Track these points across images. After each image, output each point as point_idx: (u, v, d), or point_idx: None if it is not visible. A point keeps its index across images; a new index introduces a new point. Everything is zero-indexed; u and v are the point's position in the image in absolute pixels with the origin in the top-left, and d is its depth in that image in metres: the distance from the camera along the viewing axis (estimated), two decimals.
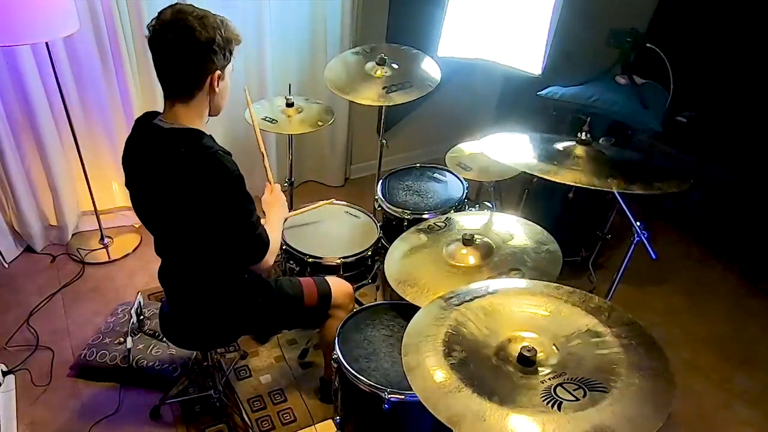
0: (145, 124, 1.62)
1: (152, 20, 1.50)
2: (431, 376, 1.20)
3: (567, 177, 1.75)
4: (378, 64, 2.44)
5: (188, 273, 1.79)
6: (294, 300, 1.95)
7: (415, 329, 1.35)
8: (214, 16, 1.52)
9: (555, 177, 1.74)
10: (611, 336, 1.22)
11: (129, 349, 2.37)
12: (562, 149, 1.94)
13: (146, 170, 1.63)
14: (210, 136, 1.61)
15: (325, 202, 2.38)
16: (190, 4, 1.51)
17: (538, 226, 1.89)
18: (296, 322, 2.10)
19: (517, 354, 1.20)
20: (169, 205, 1.62)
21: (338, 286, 2.02)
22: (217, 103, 1.64)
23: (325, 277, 2.03)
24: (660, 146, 3.20)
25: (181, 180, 1.55)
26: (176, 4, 1.51)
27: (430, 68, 2.48)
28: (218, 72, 1.56)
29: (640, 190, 1.68)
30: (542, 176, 1.76)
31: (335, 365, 1.74)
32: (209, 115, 1.66)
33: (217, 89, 1.59)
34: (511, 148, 2.01)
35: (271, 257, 1.73)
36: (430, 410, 1.12)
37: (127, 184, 1.71)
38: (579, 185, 1.71)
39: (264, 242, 1.70)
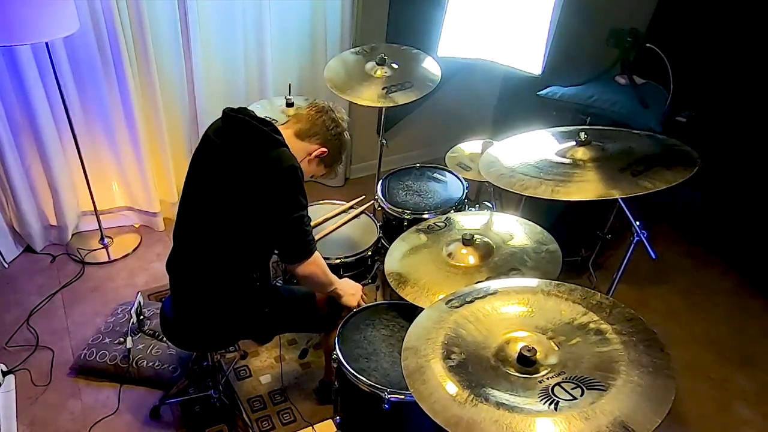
0: (240, 110, 1.74)
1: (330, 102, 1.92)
2: (431, 379, 1.20)
3: (573, 192, 1.56)
4: (378, 64, 2.44)
5: (203, 267, 1.80)
6: (306, 310, 1.97)
7: (415, 333, 1.35)
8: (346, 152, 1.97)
9: (561, 195, 1.55)
10: (612, 333, 1.22)
11: (129, 349, 2.37)
12: (562, 159, 1.71)
13: (221, 145, 1.71)
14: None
15: (356, 207, 2.41)
16: None
17: (538, 226, 1.89)
18: (304, 329, 2.11)
19: (516, 354, 1.20)
20: (231, 181, 1.69)
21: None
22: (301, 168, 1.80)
23: None
24: None
25: (251, 157, 1.66)
26: None
27: (430, 68, 2.48)
28: (324, 151, 1.85)
29: (648, 189, 1.50)
30: (548, 198, 1.57)
31: (335, 365, 1.74)
32: None
33: (311, 157, 1.85)
34: (506, 166, 1.78)
35: (312, 267, 1.79)
36: (427, 412, 1.12)
37: (193, 159, 1.80)
38: (588, 199, 1.53)
39: (308, 242, 1.76)
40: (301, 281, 1.84)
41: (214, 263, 1.78)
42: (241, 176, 1.67)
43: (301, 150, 1.82)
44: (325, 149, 1.86)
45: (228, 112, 1.74)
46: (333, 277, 1.91)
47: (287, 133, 1.80)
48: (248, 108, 1.78)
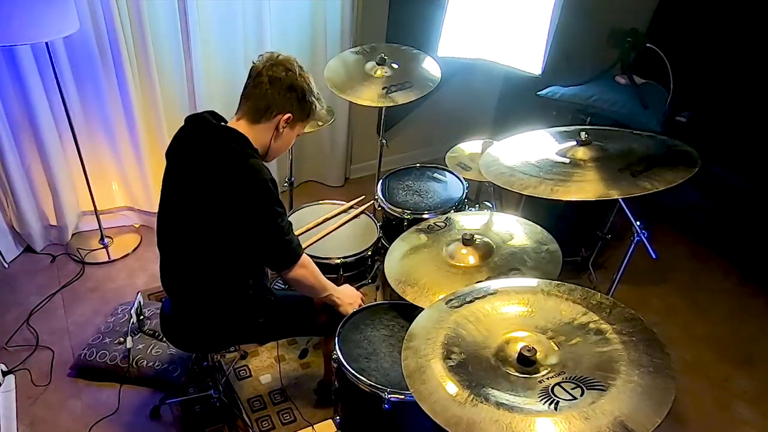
0: (199, 118, 1.68)
1: (264, 54, 1.68)
2: (431, 379, 1.20)
3: (573, 192, 1.55)
4: (378, 64, 2.43)
5: (192, 278, 1.78)
6: (304, 317, 1.95)
7: (415, 333, 1.35)
8: (313, 86, 1.71)
9: (561, 195, 1.55)
10: (612, 333, 1.22)
11: (129, 349, 2.37)
12: (562, 159, 1.71)
13: (189, 160, 1.66)
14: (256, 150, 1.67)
15: (356, 207, 2.41)
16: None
17: (538, 226, 1.89)
18: (302, 334, 2.09)
19: (516, 354, 1.20)
20: (201, 199, 1.64)
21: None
22: (274, 146, 1.72)
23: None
24: None
25: (219, 174, 1.59)
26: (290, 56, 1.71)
27: (430, 68, 2.48)
28: (289, 115, 1.67)
29: (648, 190, 1.50)
30: (547, 197, 1.57)
31: (335, 365, 1.74)
32: (262, 157, 1.70)
33: (281, 130, 1.69)
34: (506, 165, 1.78)
35: (301, 271, 1.74)
36: (427, 412, 1.12)
37: (165, 175, 1.74)
38: (587, 199, 1.53)
39: (292, 249, 1.71)
40: (292, 285, 1.79)
41: (202, 274, 1.75)
42: (211, 195, 1.61)
43: (265, 131, 1.67)
44: (288, 114, 1.67)
45: (188, 123, 1.69)
46: (327, 283, 1.86)
47: (242, 126, 1.66)
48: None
